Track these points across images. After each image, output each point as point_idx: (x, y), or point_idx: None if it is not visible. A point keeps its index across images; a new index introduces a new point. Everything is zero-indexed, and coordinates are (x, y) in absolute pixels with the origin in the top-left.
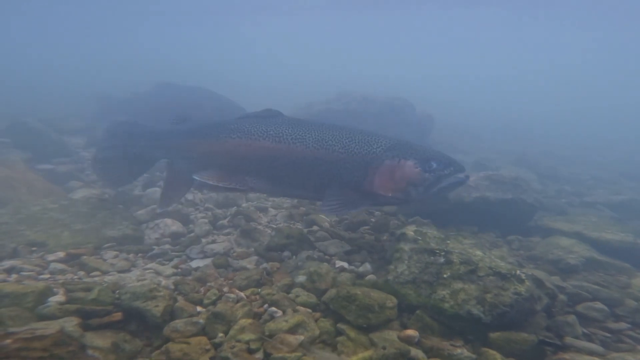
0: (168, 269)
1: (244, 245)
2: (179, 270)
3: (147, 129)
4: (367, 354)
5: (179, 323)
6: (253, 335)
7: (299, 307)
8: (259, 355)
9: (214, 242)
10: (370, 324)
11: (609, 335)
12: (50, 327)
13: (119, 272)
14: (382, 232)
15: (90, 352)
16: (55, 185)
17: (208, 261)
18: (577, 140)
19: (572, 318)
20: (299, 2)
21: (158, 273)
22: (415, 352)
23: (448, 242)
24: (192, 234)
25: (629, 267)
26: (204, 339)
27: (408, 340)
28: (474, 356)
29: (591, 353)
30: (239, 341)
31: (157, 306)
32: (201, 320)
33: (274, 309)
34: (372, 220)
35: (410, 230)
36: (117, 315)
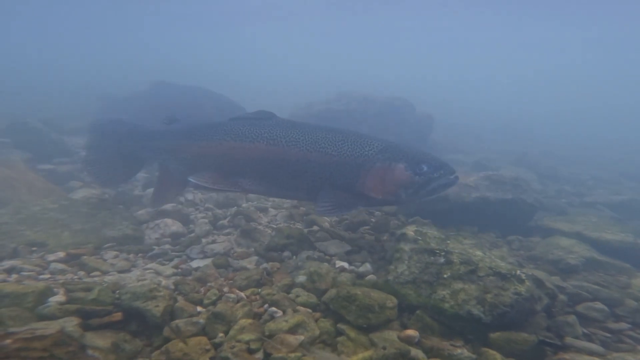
0: (168, 269)
1: (244, 246)
2: (179, 270)
3: (136, 128)
4: (367, 354)
5: (179, 323)
6: (253, 335)
7: (299, 307)
8: (259, 355)
9: (214, 242)
10: (370, 324)
11: (609, 335)
12: (50, 327)
13: (119, 272)
14: (383, 232)
15: (90, 352)
16: (56, 185)
17: (208, 261)
18: (577, 140)
19: (572, 318)
20: (300, 3)
21: (158, 273)
22: (415, 352)
23: (448, 242)
24: (192, 234)
25: (629, 267)
26: (204, 339)
27: (408, 341)
28: (474, 356)
29: (591, 353)
30: (239, 341)
31: (157, 306)
32: (201, 320)
33: (274, 309)
34: (372, 220)
35: (410, 231)
36: (117, 316)
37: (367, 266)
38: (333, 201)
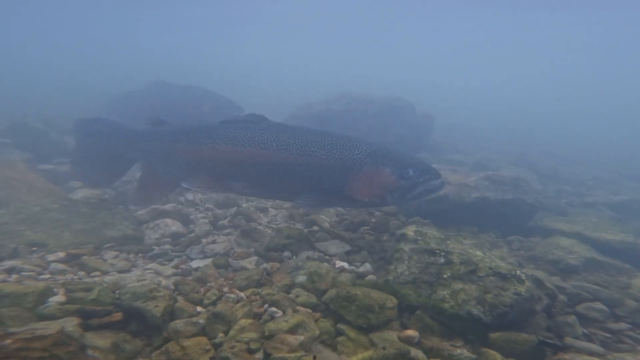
0: (168, 269)
1: (244, 246)
2: (179, 270)
3: (120, 127)
4: (367, 354)
5: (179, 323)
6: (253, 335)
7: (299, 308)
8: (259, 355)
9: (214, 242)
10: (370, 324)
11: (609, 335)
12: (50, 327)
13: (119, 272)
14: (382, 233)
15: (90, 352)
16: (56, 186)
17: (208, 261)
18: (577, 140)
19: (572, 318)
20: (300, 3)
21: (158, 273)
22: (415, 352)
23: (448, 242)
24: (192, 234)
25: (629, 268)
26: (204, 339)
27: (408, 341)
28: (474, 356)
29: (591, 353)
30: (239, 341)
31: (157, 306)
32: (201, 321)
33: (274, 309)
34: (372, 220)
35: (410, 231)
36: (117, 316)
37: (367, 266)
38: (316, 198)
